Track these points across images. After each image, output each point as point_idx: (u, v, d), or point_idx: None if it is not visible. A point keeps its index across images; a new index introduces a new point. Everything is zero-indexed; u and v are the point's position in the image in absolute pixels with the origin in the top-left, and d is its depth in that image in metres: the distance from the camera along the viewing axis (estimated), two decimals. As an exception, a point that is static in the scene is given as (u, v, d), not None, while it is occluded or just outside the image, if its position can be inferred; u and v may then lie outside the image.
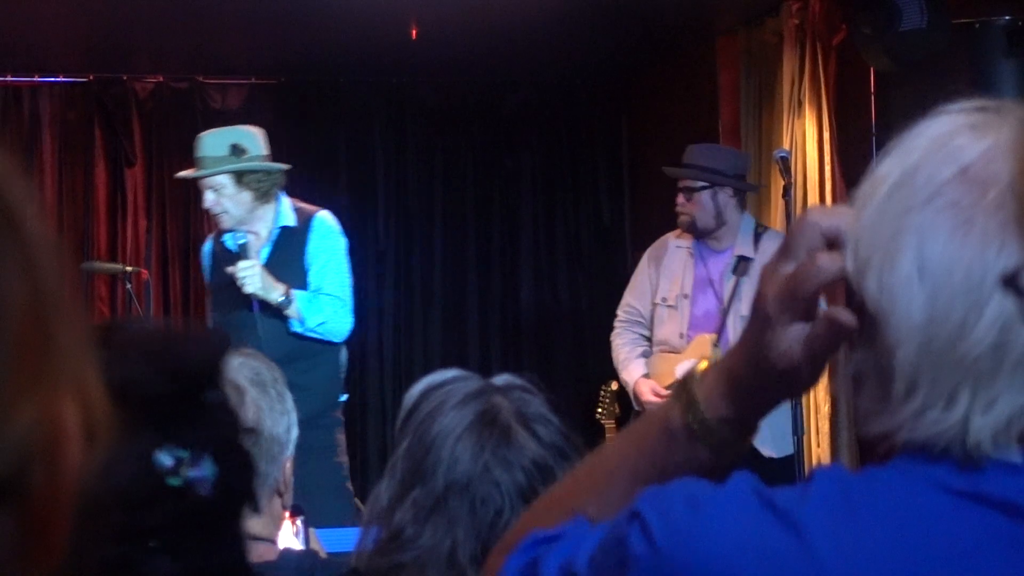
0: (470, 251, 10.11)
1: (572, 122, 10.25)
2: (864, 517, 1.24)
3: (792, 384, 1.37)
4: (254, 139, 6.19)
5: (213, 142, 6.12)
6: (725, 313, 6.43)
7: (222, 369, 1.54)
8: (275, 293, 6.01)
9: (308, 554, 2.83)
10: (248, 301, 6.06)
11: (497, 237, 10.19)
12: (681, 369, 6.43)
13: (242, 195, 6.10)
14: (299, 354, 6.00)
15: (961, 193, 1.24)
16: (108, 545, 1.10)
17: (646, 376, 6.61)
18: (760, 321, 1.33)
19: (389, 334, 9.93)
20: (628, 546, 1.29)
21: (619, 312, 6.90)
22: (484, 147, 10.10)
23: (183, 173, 6.33)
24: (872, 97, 7.33)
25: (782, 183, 6.38)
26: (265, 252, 6.19)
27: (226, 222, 6.12)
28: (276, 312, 6.08)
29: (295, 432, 2.70)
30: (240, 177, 6.10)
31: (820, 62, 7.50)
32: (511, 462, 2.13)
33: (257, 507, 1.57)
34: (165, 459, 1.43)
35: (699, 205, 6.56)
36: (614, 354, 6.83)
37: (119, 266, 8.44)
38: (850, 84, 7.41)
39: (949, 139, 1.27)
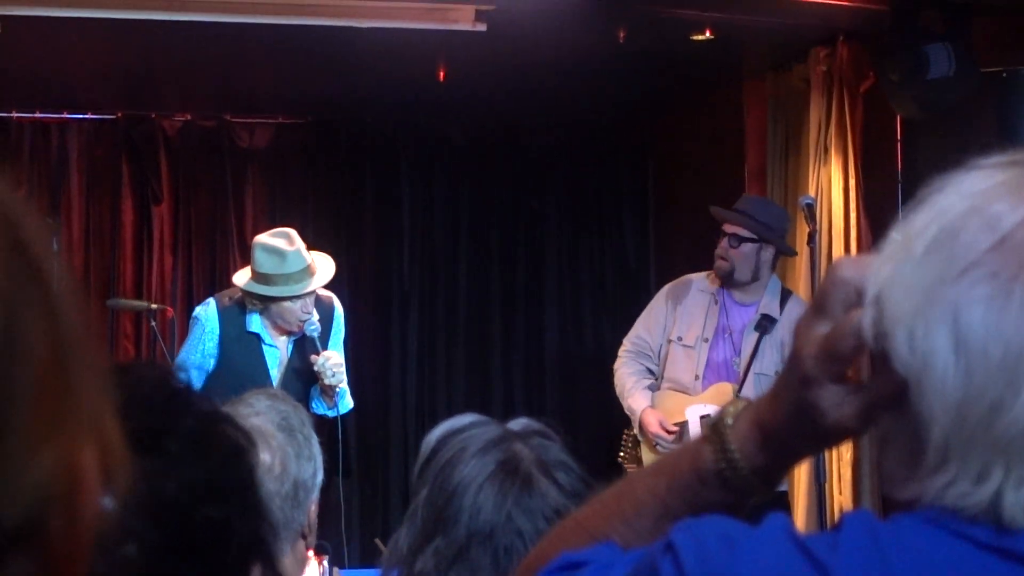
0: (495, 292, 10.12)
1: (599, 164, 10.26)
2: (894, 567, 1.23)
3: (835, 439, 1.38)
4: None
5: (297, 257, 6.32)
6: (747, 369, 6.44)
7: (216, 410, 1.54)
8: (339, 386, 6.40)
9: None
10: (263, 375, 6.26)
11: (522, 278, 10.19)
12: (693, 411, 6.45)
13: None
14: None
15: (1000, 264, 1.23)
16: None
17: (652, 407, 6.64)
18: (799, 381, 1.32)
19: (412, 374, 9.92)
20: None
21: (626, 343, 6.93)
22: (510, 188, 10.11)
23: (309, 288, 6.38)
24: (899, 144, 7.33)
25: (807, 230, 6.38)
26: (290, 346, 6.49)
27: (309, 323, 6.37)
28: (294, 388, 6.31)
29: (320, 476, 2.71)
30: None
31: (847, 108, 7.50)
32: (533, 511, 2.13)
33: (270, 562, 1.55)
34: (170, 489, 1.43)
35: (743, 256, 6.56)
36: (617, 381, 6.87)
37: (144, 303, 8.46)
38: (877, 131, 7.41)
39: (987, 202, 1.26)
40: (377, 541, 6.17)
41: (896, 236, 1.30)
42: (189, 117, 9.61)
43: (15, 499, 0.76)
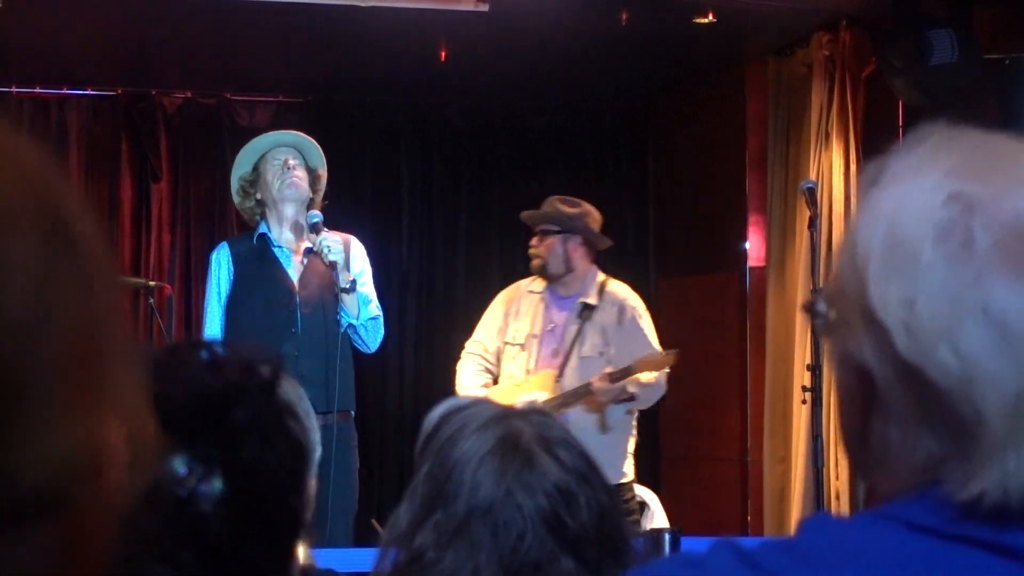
0: (494, 273, 10.10)
1: (598, 147, 10.25)
2: (852, 567, 1.21)
3: None
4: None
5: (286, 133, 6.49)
6: (568, 354, 6.85)
7: (257, 393, 1.54)
8: (345, 274, 6.20)
9: (327, 572, 2.82)
10: (288, 300, 6.20)
11: (521, 259, 10.14)
12: (522, 399, 6.68)
13: (305, 176, 6.45)
14: (337, 353, 6.16)
15: (1010, 249, 1.20)
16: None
17: None
18: None
19: (411, 354, 9.93)
20: None
21: (467, 344, 7.32)
22: (510, 170, 10.11)
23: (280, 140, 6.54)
24: (900, 130, 7.33)
25: (808, 214, 6.39)
26: (305, 255, 6.36)
27: (297, 188, 6.38)
28: (316, 311, 6.23)
29: (318, 451, 2.70)
30: (308, 159, 6.50)
31: (849, 94, 7.50)
32: (533, 486, 2.13)
33: (284, 547, 1.56)
34: (180, 468, 1.43)
35: (550, 248, 6.98)
36: (458, 380, 7.24)
37: (142, 281, 8.47)
38: (878, 116, 7.41)
39: (961, 185, 1.24)
40: (373, 521, 6.18)
41: (896, 250, 1.26)
42: (189, 95, 9.60)
43: (37, 466, 0.77)
